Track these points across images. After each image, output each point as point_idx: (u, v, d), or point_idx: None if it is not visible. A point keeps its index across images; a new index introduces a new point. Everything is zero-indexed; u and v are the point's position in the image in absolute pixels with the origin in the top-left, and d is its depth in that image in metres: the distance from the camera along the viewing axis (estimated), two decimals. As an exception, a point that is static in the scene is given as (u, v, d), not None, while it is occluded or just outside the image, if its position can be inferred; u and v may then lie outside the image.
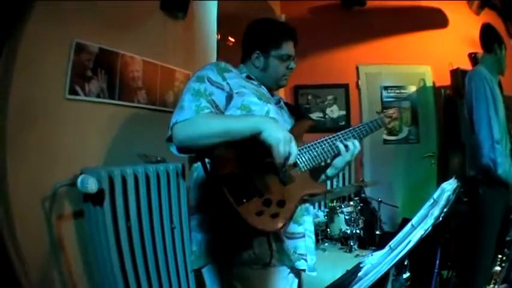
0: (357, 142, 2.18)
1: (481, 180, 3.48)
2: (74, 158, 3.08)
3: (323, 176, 2.22)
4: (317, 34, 6.64)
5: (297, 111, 2.48)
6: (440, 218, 1.74)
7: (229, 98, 2.04)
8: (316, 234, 4.40)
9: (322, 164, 2.17)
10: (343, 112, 6.82)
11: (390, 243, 1.80)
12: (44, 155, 2.88)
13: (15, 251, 2.55)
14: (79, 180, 2.84)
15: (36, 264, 2.77)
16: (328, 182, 5.80)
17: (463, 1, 6.44)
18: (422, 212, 1.79)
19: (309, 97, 6.83)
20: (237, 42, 5.76)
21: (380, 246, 1.88)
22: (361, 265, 1.85)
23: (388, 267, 1.77)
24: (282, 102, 2.37)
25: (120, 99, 3.47)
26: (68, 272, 2.98)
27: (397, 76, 6.85)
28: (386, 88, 6.83)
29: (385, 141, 6.79)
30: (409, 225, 1.79)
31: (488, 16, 5.74)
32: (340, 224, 4.51)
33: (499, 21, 5.27)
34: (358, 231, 4.46)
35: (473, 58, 5.25)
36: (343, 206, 4.60)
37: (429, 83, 6.77)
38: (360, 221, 4.55)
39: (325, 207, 4.96)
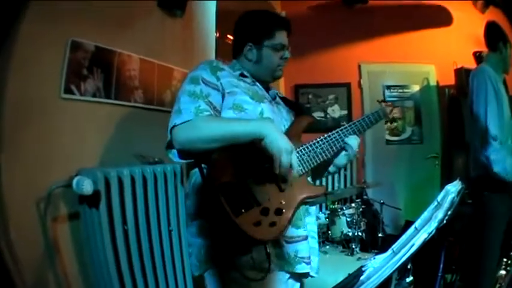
0: (356, 139, 2.22)
1: (484, 182, 3.48)
2: (70, 158, 3.08)
3: (324, 173, 2.24)
4: (318, 32, 6.65)
5: (296, 107, 2.48)
6: (445, 221, 1.75)
7: (223, 98, 2.05)
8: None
9: (322, 163, 2.17)
10: (345, 112, 6.82)
11: (393, 247, 1.81)
12: (39, 155, 2.88)
13: (9, 251, 2.56)
14: (74, 181, 2.84)
15: (31, 266, 2.77)
16: (329, 184, 5.85)
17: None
18: (425, 214, 1.79)
19: (310, 96, 6.83)
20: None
21: (382, 249, 1.88)
22: (363, 269, 1.85)
23: (391, 271, 1.77)
24: (278, 98, 2.36)
25: (116, 99, 3.47)
26: (63, 275, 2.98)
27: (400, 75, 6.85)
28: (389, 87, 6.83)
29: (388, 142, 6.80)
30: (412, 228, 1.79)
31: (493, 14, 5.74)
32: (342, 227, 4.51)
33: (504, 19, 5.27)
34: (360, 233, 4.47)
35: (478, 57, 5.26)
36: (344, 208, 4.60)
37: (433, 82, 6.78)
38: (362, 224, 4.55)
39: (326, 209, 4.97)
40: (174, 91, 4.00)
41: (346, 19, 6.69)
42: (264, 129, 1.85)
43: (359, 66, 6.79)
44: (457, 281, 4.11)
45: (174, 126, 1.91)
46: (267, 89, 2.31)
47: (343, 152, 2.26)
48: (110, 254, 3.00)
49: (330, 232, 4.65)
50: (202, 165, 1.88)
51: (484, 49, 3.92)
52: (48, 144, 2.95)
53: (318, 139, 2.14)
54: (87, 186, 2.85)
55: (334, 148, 2.17)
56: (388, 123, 6.64)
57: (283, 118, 2.23)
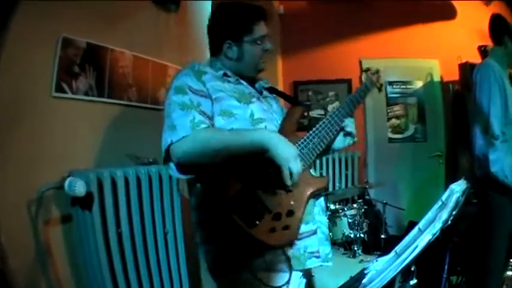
0: (351, 121, 2.32)
1: (490, 181, 3.48)
2: (61, 159, 3.08)
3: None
4: (317, 27, 6.65)
5: (285, 97, 2.48)
6: (449, 222, 1.75)
7: (212, 103, 2.03)
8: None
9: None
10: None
11: (396, 248, 1.81)
12: (30, 156, 2.88)
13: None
14: (66, 182, 2.84)
15: (23, 270, 2.77)
16: (330, 184, 5.84)
17: (472, -9, 6.45)
18: (430, 215, 1.79)
19: (310, 93, 6.81)
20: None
21: (385, 251, 1.89)
22: (365, 271, 1.85)
23: (394, 273, 1.77)
24: (265, 92, 2.36)
25: (109, 97, 3.47)
26: (55, 279, 2.97)
27: (402, 71, 6.84)
28: (391, 83, 6.82)
29: (390, 140, 6.80)
30: (416, 229, 1.80)
31: (498, 7, 5.74)
32: (343, 228, 4.50)
33: (510, 12, 5.27)
34: (362, 235, 4.46)
35: (483, 51, 5.25)
36: (346, 209, 4.60)
37: (437, 78, 6.77)
38: (364, 225, 4.55)
39: (327, 210, 4.96)
40: (169, 89, 4.00)
41: (346, 13, 6.67)
42: (267, 140, 1.85)
43: (360, 62, 6.76)
44: (462, 283, 4.12)
45: (171, 143, 1.90)
46: (253, 83, 2.30)
47: (341, 135, 2.32)
48: (103, 257, 3.00)
49: (330, 234, 4.64)
50: (203, 180, 1.90)
51: (489, 43, 3.92)
52: (39, 145, 2.95)
53: (314, 129, 2.15)
54: (79, 188, 2.85)
55: (331, 134, 2.21)
56: (392, 120, 6.66)
57: (273, 113, 2.23)
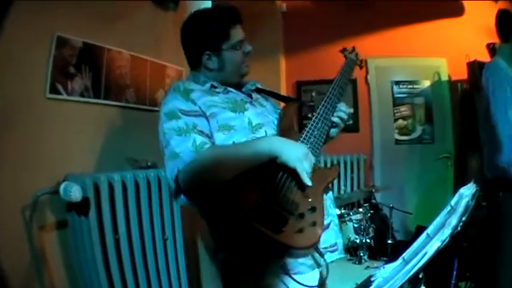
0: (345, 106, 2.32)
1: (500, 184, 3.46)
2: (57, 163, 3.08)
3: None
4: (321, 25, 6.64)
5: (276, 96, 2.48)
6: (459, 228, 1.74)
7: (207, 120, 2.02)
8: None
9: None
10: (351, 110, 6.76)
11: (404, 255, 1.79)
12: (24, 160, 2.88)
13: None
14: (62, 187, 2.84)
15: (17, 277, 2.77)
16: (336, 188, 5.83)
17: (480, -13, 6.43)
18: (438, 220, 1.78)
19: (313, 94, 6.77)
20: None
21: (392, 257, 1.88)
22: (372, 279, 1.84)
23: (402, 281, 1.76)
24: (255, 94, 2.33)
25: (106, 99, 3.47)
26: (50, 286, 2.97)
27: (409, 70, 6.84)
28: (397, 83, 6.81)
29: (397, 142, 6.78)
30: (424, 235, 1.78)
31: (507, 3, 5.72)
32: (349, 233, 4.49)
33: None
34: (368, 240, 4.45)
35: (492, 49, 5.23)
36: (351, 214, 4.58)
37: (444, 77, 6.75)
38: (370, 230, 4.53)
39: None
40: (168, 90, 3.99)
41: (351, 11, 6.66)
42: (274, 148, 1.85)
43: (365, 61, 6.73)
44: (471, 289, 4.11)
45: (178, 173, 1.89)
46: (240, 87, 2.28)
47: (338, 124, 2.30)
48: (100, 265, 2.99)
49: (336, 239, 4.63)
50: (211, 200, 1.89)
51: (498, 40, 3.90)
52: (33, 148, 2.95)
53: (312, 121, 2.14)
54: (75, 193, 2.84)
55: (329, 123, 2.20)
56: (399, 121, 6.65)
57: (269, 114, 2.22)
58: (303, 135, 2.08)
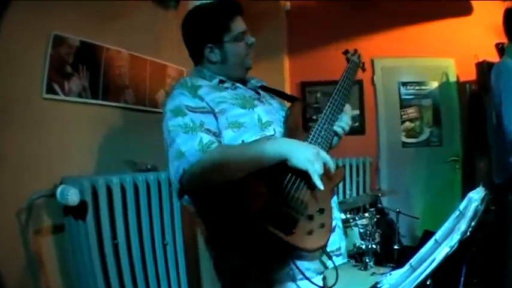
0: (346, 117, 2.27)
1: (509, 186, 3.44)
2: (53, 165, 3.08)
3: None
4: (326, 24, 6.64)
5: (282, 95, 2.47)
6: (468, 233, 1.73)
7: (215, 118, 2.01)
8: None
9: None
10: (357, 112, 6.76)
11: (411, 261, 1.79)
12: (20, 162, 2.88)
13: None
14: (58, 190, 2.83)
15: (12, 282, 2.76)
16: (341, 192, 5.83)
17: (489, -15, 6.42)
18: (447, 225, 1.77)
19: (318, 95, 6.77)
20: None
21: (399, 263, 1.87)
22: (378, 285, 1.83)
23: (409, 288, 1.75)
24: (260, 91, 2.34)
25: (104, 99, 3.47)
26: (47, 292, 2.97)
27: (416, 70, 6.84)
28: (404, 84, 6.81)
29: (404, 144, 6.77)
30: (432, 241, 1.77)
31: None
32: (354, 239, 4.48)
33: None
34: (374, 246, 4.44)
35: (501, 49, 5.21)
36: (357, 218, 4.58)
37: (452, 78, 6.74)
38: (376, 235, 4.53)
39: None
40: (168, 90, 3.98)
41: (357, 10, 6.65)
42: (284, 150, 1.83)
43: (372, 62, 6.73)
44: (479, 296, 4.10)
45: (184, 173, 1.87)
46: (245, 84, 2.28)
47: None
48: (98, 271, 2.99)
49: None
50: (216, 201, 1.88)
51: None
52: (29, 150, 2.94)
53: (318, 122, 2.12)
54: (72, 196, 2.84)
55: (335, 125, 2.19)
56: (406, 123, 6.65)
57: (276, 112, 2.23)
58: (310, 136, 2.06)
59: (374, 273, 4.17)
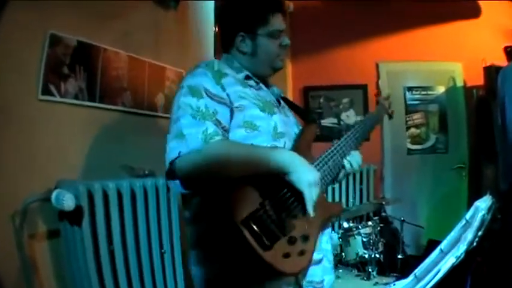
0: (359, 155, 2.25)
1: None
2: (49, 168, 3.07)
3: None
4: (330, 26, 6.64)
5: (299, 111, 2.44)
6: (475, 243, 1.72)
7: (231, 113, 1.96)
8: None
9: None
10: (361, 117, 6.74)
11: (416, 271, 1.79)
12: (14, 165, 2.87)
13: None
14: (54, 195, 2.83)
15: (8, 284, 2.76)
16: (343, 199, 5.82)
17: (498, -13, 6.41)
18: (453, 235, 1.77)
19: (321, 100, 6.76)
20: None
21: (402, 273, 1.87)
22: (381, 296, 1.83)
23: (414, 299, 1.75)
24: (281, 102, 2.31)
25: (101, 102, 3.47)
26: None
27: (423, 75, 6.84)
28: (410, 89, 6.81)
29: (409, 151, 6.77)
30: (437, 251, 1.77)
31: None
32: (357, 248, 4.49)
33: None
34: (377, 255, 4.45)
35: (509, 52, 5.23)
36: (360, 227, 4.58)
37: (459, 83, 6.74)
38: (380, 244, 4.53)
39: (340, 228, 4.94)
40: (167, 93, 3.99)
41: (362, 12, 6.66)
42: (288, 164, 1.79)
43: (377, 66, 6.75)
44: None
45: (179, 156, 1.82)
46: (267, 87, 2.25)
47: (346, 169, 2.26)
48: (93, 277, 2.98)
49: (343, 254, 4.62)
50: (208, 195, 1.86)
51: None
52: (24, 153, 2.94)
53: (329, 151, 2.12)
54: (68, 201, 2.83)
55: (340, 165, 2.17)
56: (412, 130, 6.64)
57: (291, 126, 2.19)
58: (317, 161, 2.05)
59: (377, 283, 4.19)
